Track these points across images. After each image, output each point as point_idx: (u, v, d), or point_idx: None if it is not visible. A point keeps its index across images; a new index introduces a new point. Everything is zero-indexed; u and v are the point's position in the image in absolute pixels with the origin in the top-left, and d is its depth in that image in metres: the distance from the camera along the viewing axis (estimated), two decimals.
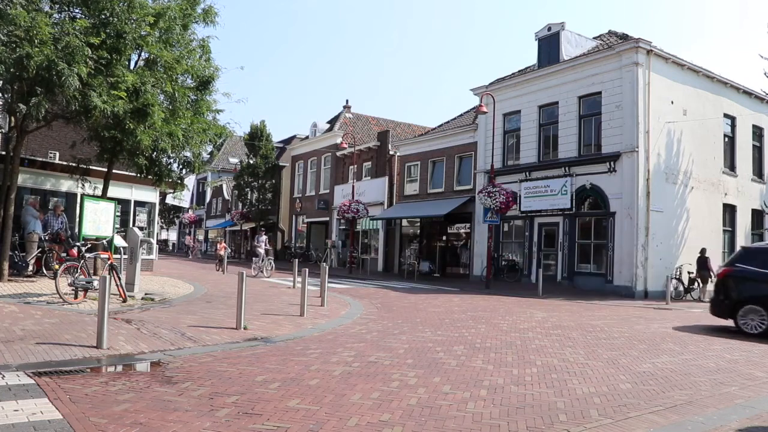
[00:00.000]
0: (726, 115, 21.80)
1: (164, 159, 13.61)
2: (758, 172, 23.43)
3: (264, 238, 22.41)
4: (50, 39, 9.67)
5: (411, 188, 29.04)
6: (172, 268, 22.77)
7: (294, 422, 4.18)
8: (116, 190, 16.19)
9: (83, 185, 14.89)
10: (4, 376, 5.05)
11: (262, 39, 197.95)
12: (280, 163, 40.63)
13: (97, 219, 11.28)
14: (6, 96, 11.67)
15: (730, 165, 22.10)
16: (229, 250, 25.51)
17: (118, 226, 14.19)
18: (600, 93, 19.75)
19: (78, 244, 10.61)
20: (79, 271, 9.92)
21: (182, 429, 3.96)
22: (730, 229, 21.95)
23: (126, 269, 11.79)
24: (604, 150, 19.42)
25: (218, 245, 25.87)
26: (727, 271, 10.85)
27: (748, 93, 22.66)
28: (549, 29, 21.92)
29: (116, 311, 9.20)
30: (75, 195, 15.63)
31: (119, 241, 12.77)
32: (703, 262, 18.47)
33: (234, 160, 47.61)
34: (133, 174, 14.81)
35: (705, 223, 20.45)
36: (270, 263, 21.83)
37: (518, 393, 5.30)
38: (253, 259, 21.98)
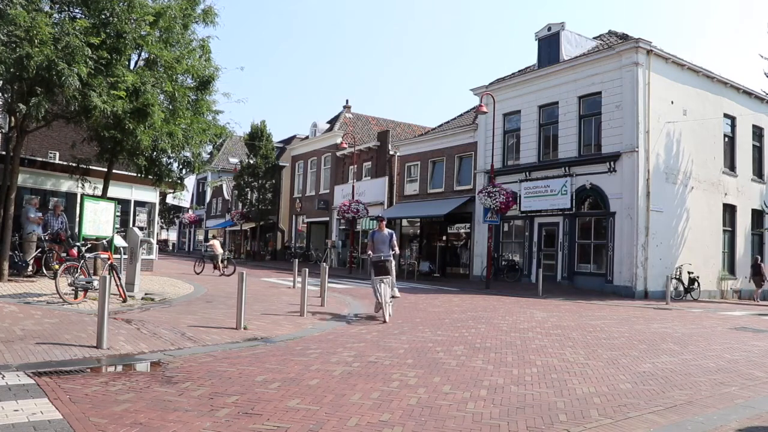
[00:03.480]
0: (726, 115, 21.81)
1: (164, 159, 13.61)
2: (758, 172, 23.44)
3: (387, 233, 10.92)
4: (50, 39, 9.67)
5: (411, 188, 29.05)
6: (172, 269, 22.76)
7: (294, 422, 4.18)
8: (116, 190, 16.19)
9: (83, 185, 14.89)
10: (4, 376, 5.04)
11: (262, 39, 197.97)
12: (280, 163, 40.63)
13: (97, 219, 11.27)
14: (6, 96, 11.66)
15: (730, 165, 22.11)
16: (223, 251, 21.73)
17: (118, 226, 14.19)
18: (600, 93, 19.76)
19: (78, 244, 10.60)
20: (79, 271, 9.91)
21: (182, 429, 3.96)
22: (730, 229, 21.96)
23: (126, 269, 11.78)
24: (604, 150, 19.42)
25: (212, 241, 22.27)
26: None
27: (748, 93, 22.67)
28: (549, 29, 21.93)
29: (116, 311, 9.19)
30: (75, 195, 15.63)
31: (119, 241, 12.77)
32: (757, 268, 19.65)
33: (234, 160, 47.62)
34: (133, 174, 14.81)
35: (705, 223, 20.47)
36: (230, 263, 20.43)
37: (518, 393, 5.30)
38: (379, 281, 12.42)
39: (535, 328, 9.82)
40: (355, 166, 32.58)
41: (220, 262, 20.64)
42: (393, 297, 10.69)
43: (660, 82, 19.14)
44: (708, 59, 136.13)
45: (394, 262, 10.65)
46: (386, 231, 10.77)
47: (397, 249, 10.60)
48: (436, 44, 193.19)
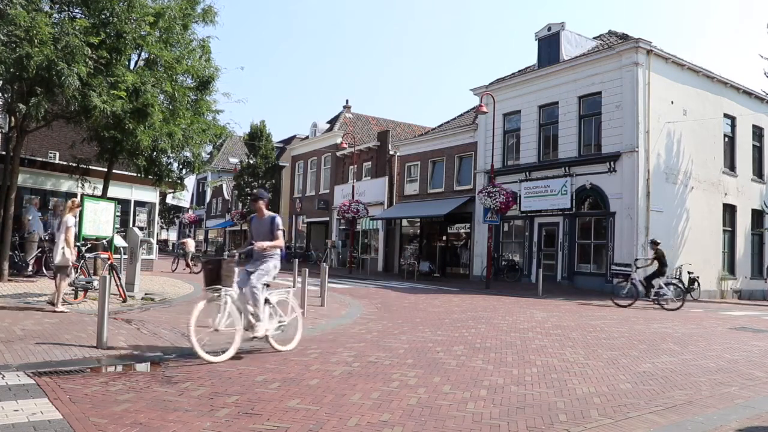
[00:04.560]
0: (726, 115, 21.82)
1: (164, 159, 13.61)
2: (758, 172, 23.45)
3: (267, 218, 7.08)
4: (50, 39, 9.67)
5: (411, 188, 29.05)
6: (171, 268, 22.75)
7: (294, 422, 4.17)
8: (116, 190, 16.19)
9: (83, 185, 14.89)
10: (4, 376, 5.04)
11: (262, 39, 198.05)
12: (280, 163, 40.64)
13: (97, 219, 11.28)
14: (6, 96, 11.67)
15: (730, 165, 22.11)
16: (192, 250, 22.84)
17: (118, 226, 14.19)
18: (600, 93, 19.77)
19: (78, 244, 10.60)
20: (79, 271, 9.92)
21: (182, 429, 3.96)
22: (730, 229, 21.97)
23: (126, 269, 11.78)
24: (604, 150, 19.42)
25: (185, 240, 23.86)
26: None
27: (748, 93, 22.68)
28: (549, 29, 21.93)
29: (116, 311, 9.19)
30: (75, 195, 15.63)
31: (119, 241, 12.77)
32: None
33: (234, 160, 47.66)
34: (133, 174, 14.81)
35: (705, 223, 20.47)
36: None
37: (518, 393, 5.30)
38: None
39: (535, 328, 9.82)
40: (355, 166, 32.58)
41: (189, 260, 21.37)
42: (254, 337, 6.58)
43: (660, 82, 19.15)
44: (708, 59, 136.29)
45: (270, 266, 6.70)
46: (267, 215, 6.98)
47: (280, 241, 6.78)
48: (436, 44, 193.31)
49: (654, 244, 15.34)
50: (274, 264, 6.74)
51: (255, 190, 7.49)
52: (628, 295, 14.93)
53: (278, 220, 6.91)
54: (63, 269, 8.89)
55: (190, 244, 22.71)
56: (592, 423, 4.45)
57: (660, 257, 14.95)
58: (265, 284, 6.63)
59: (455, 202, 25.00)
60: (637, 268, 15.34)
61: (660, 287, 14.70)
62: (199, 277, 18.99)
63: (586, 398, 5.20)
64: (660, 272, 14.89)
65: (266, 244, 6.64)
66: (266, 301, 6.62)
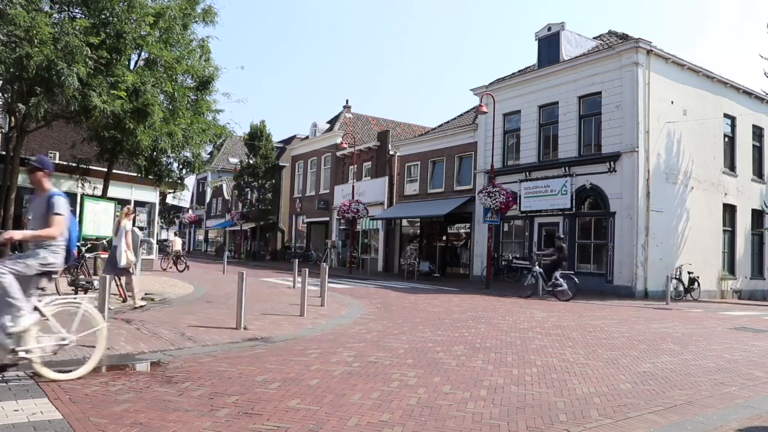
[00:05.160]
0: (726, 115, 21.81)
1: (164, 159, 13.64)
2: (758, 172, 23.44)
3: (46, 196, 5.07)
4: (50, 39, 9.69)
5: (411, 188, 29.05)
6: (170, 268, 22.76)
7: (294, 422, 4.18)
8: (116, 190, 16.21)
9: (83, 185, 14.90)
10: (3, 376, 5.05)
11: (262, 39, 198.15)
12: (280, 163, 40.64)
13: (97, 219, 11.30)
14: (6, 96, 11.68)
15: (730, 165, 22.11)
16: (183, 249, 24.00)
17: None
18: (600, 93, 19.76)
19: (78, 244, 10.62)
20: (79, 271, 9.93)
21: (182, 429, 3.96)
22: (730, 229, 21.96)
23: None
24: (604, 150, 19.42)
25: (174, 239, 25.14)
26: None
27: (748, 93, 22.67)
28: (549, 29, 21.93)
29: (116, 311, 9.20)
30: (75, 195, 15.64)
31: None
32: None
33: (234, 160, 47.66)
34: (133, 174, 14.83)
35: (705, 223, 20.47)
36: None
37: (518, 393, 5.30)
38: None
39: (535, 328, 9.82)
40: (355, 166, 32.59)
41: (174, 258, 22.41)
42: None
43: (660, 82, 19.14)
44: (708, 59, 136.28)
45: (38, 257, 4.92)
46: (47, 192, 5.07)
47: (51, 230, 4.87)
48: (436, 44, 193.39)
49: (559, 239, 16.51)
50: (44, 256, 4.93)
51: (34, 157, 5.35)
52: (529, 287, 15.84)
53: (57, 199, 4.99)
54: (126, 271, 9.76)
55: (177, 243, 23.73)
56: (592, 423, 4.45)
57: (560, 250, 15.89)
58: (32, 275, 4.86)
59: (455, 202, 25.00)
60: (542, 259, 16.23)
61: (556, 279, 15.54)
62: (198, 276, 19.04)
63: (586, 398, 5.20)
64: (559, 265, 15.82)
65: (21, 234, 4.96)
66: (39, 312, 4.92)
